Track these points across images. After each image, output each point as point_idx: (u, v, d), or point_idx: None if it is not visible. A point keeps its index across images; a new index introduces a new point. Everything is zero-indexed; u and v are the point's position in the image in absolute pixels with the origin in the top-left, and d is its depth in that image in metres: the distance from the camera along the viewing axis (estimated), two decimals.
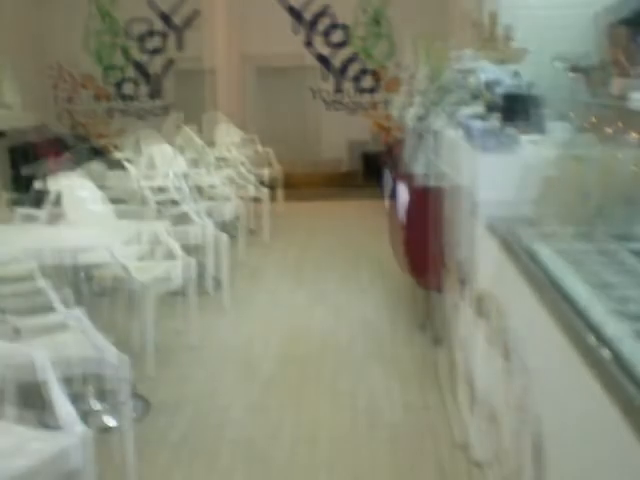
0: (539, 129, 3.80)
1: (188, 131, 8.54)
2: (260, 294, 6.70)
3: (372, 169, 12.91)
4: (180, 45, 13.62)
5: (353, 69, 13.66)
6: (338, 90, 13.72)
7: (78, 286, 4.17)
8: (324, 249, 8.40)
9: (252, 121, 12.99)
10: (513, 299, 2.91)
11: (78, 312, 3.45)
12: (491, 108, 4.07)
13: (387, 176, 9.48)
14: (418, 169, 5.11)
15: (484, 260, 3.38)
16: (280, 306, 6.34)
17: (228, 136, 10.00)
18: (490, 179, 3.31)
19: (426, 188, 4.99)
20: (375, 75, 13.64)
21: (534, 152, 3.39)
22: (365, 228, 9.40)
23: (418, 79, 10.79)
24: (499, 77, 4.73)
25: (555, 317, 2.15)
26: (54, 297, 3.76)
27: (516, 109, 3.44)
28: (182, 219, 6.49)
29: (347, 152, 13.29)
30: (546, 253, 2.62)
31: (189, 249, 5.64)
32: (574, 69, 7.52)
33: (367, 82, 13.69)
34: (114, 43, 13.64)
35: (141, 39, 13.65)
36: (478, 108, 4.46)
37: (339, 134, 13.52)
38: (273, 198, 9.43)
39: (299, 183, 11.84)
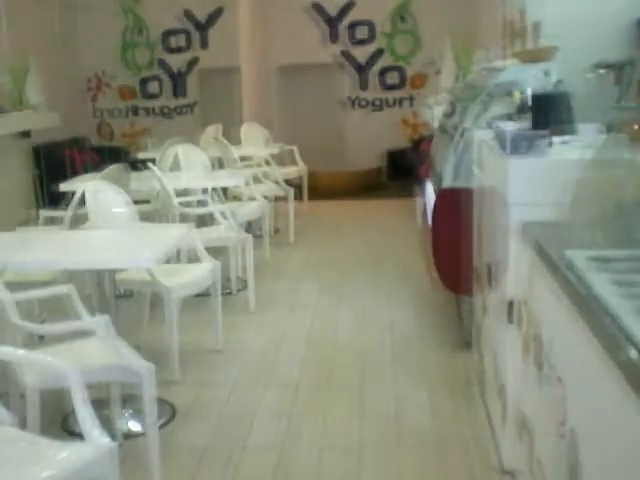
0: (570, 130, 3.72)
1: (223, 141, 8.47)
2: (285, 295, 6.64)
3: (397, 167, 12.82)
4: (204, 43, 13.57)
5: (378, 66, 13.56)
6: (362, 87, 13.62)
7: (103, 290, 4.11)
8: (348, 250, 8.33)
9: (276, 120, 12.94)
10: (546, 307, 2.83)
11: (103, 319, 3.40)
12: (522, 108, 4.00)
13: (417, 176, 9.41)
14: (446, 169, 5.03)
15: (516, 265, 3.30)
16: (305, 308, 6.27)
17: (253, 135, 9.96)
18: (522, 182, 3.23)
19: (454, 189, 4.91)
20: (400, 71, 13.53)
21: (567, 154, 3.31)
22: (389, 228, 9.33)
23: (444, 76, 10.73)
24: (529, 77, 4.65)
25: (592, 328, 2.07)
26: (79, 303, 3.72)
27: (547, 110, 3.36)
28: (207, 220, 6.46)
29: (372, 150, 13.20)
30: (582, 261, 2.54)
31: (214, 250, 5.60)
32: (601, 65, 7.43)
33: (392, 79, 13.59)
34: (145, 46, 13.63)
35: (165, 37, 13.62)
36: (508, 108, 4.39)
37: (363, 132, 13.43)
38: (298, 197, 9.38)
39: (323, 181, 11.76)
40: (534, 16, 5.51)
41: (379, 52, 13.48)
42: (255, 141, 9.76)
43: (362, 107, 13.65)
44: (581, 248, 2.64)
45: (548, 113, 3.33)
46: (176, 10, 13.39)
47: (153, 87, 13.84)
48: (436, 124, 7.88)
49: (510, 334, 3.38)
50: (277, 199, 8.76)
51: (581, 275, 2.40)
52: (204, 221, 6.46)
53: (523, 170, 3.23)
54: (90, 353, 3.48)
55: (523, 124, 3.49)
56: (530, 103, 3.82)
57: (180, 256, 5.68)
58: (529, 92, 4.01)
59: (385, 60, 13.51)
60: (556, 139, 3.47)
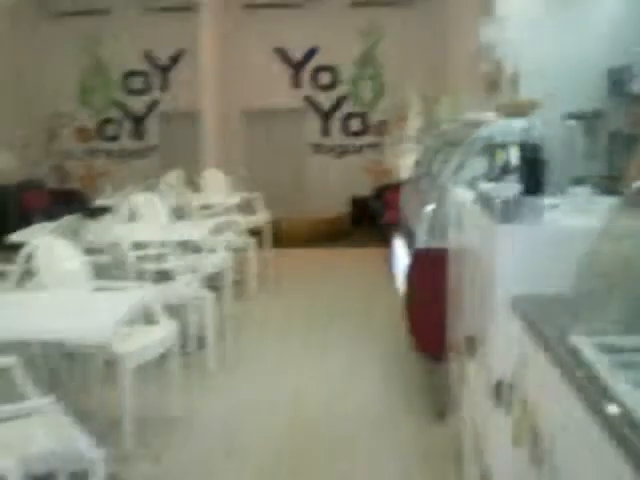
0: (558, 191, 3.47)
1: (184, 189, 8.16)
2: (248, 355, 6.29)
3: (362, 214, 12.59)
4: (165, 86, 13.30)
5: (341, 112, 13.37)
6: (326, 133, 13.41)
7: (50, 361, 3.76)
8: (315, 303, 8.00)
9: (239, 165, 12.66)
10: (547, 398, 2.55)
11: (48, 402, 3.04)
12: (505, 169, 3.74)
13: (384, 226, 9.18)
14: (421, 227, 4.75)
15: (503, 342, 3.01)
16: (270, 371, 5.93)
17: (215, 181, 9.66)
18: (512, 252, 2.96)
19: (430, 249, 4.64)
20: (364, 118, 13.35)
21: (562, 221, 3.05)
22: (356, 278, 9.04)
23: (410, 124, 10.54)
24: (512, 132, 4.42)
25: (599, 421, 1.80)
26: (23, 378, 3.36)
27: (538, 172, 3.09)
28: (164, 275, 6.12)
29: (336, 197, 12.95)
30: (591, 350, 2.26)
31: (172, 307, 5.26)
32: (571, 117, 7.27)
33: (356, 125, 13.40)
34: (105, 87, 13.32)
35: (126, 79, 13.33)
36: (491, 166, 4.13)
37: (327, 178, 13.21)
38: (260, 245, 9.06)
39: (287, 229, 11.47)
40: (512, 67, 5.30)
41: (343, 98, 13.29)
42: (217, 188, 9.45)
43: (325, 153, 13.43)
44: (585, 330, 2.37)
45: (539, 176, 3.06)
46: (137, 51, 13.12)
47: (112, 129, 13.53)
48: (404, 175, 7.66)
49: (498, 418, 3.09)
50: (240, 249, 8.43)
51: (594, 372, 2.12)
52: (163, 275, 6.12)
53: (514, 239, 2.95)
54: (33, 437, 3.11)
55: (510, 187, 3.21)
56: (518, 164, 3.56)
57: (135, 319, 5.32)
58: (513, 151, 3.75)
59: (349, 106, 13.33)
60: (546, 202, 3.21)
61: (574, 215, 3.17)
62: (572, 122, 7.21)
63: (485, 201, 3.28)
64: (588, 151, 7.46)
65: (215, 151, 11.46)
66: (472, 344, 3.70)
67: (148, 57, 13.23)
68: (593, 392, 1.96)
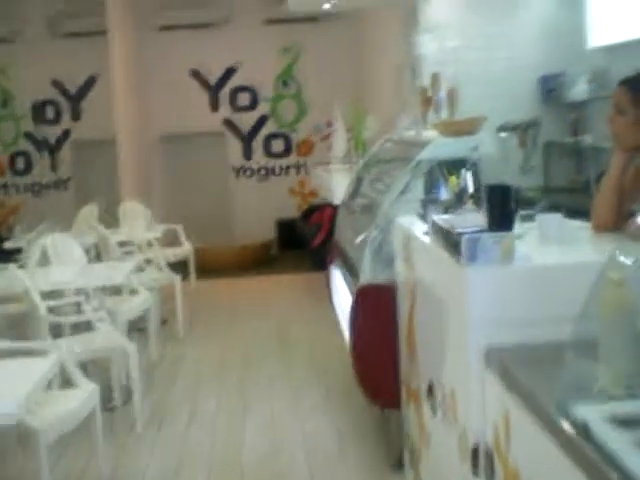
0: (525, 220, 3.08)
1: (99, 226, 7.61)
2: (178, 406, 5.74)
3: (288, 238, 12.15)
4: (77, 114, 12.69)
5: (262, 133, 12.92)
6: (248, 156, 12.94)
7: None
8: (247, 339, 7.49)
9: (159, 194, 12.11)
10: (536, 466, 2.14)
11: None
12: (460, 196, 3.33)
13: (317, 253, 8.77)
14: (364, 261, 4.32)
15: (478, 400, 2.58)
16: (202, 423, 5.39)
17: (133, 214, 9.11)
18: (485, 297, 2.54)
19: (375, 286, 4.20)
20: (286, 138, 12.93)
21: (538, 259, 2.65)
22: (289, 308, 8.56)
23: (336, 144, 10.14)
24: (457, 152, 4.03)
25: None
26: None
27: (505, 202, 2.68)
28: (82, 325, 5.57)
29: (260, 221, 12.47)
30: (594, 415, 1.86)
31: (93, 361, 4.75)
32: (504, 128, 6.96)
33: (278, 146, 12.96)
34: (12, 118, 12.67)
35: (34, 109, 12.68)
36: (439, 191, 3.74)
37: (250, 203, 12.72)
38: (185, 277, 8.54)
39: (212, 258, 10.95)
40: (448, 81, 4.92)
41: (264, 118, 12.85)
42: (136, 221, 8.90)
43: (248, 177, 12.96)
44: (587, 393, 1.96)
45: (506, 205, 2.65)
46: (46, 80, 12.49)
47: (22, 162, 12.85)
48: (336, 198, 7.24)
49: None
50: (163, 286, 7.88)
51: (609, 453, 1.71)
52: (80, 325, 5.57)
53: (486, 282, 2.54)
54: None
55: (473, 219, 2.80)
56: (475, 190, 3.17)
57: (51, 383, 4.76)
58: (467, 176, 3.36)
59: (270, 127, 12.89)
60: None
61: (548, 249, 2.78)
62: (505, 134, 6.91)
63: (443, 236, 2.86)
64: (523, 163, 7.18)
65: (133, 181, 10.89)
66: (433, 394, 3.28)
67: (58, 85, 12.61)
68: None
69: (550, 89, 7.34)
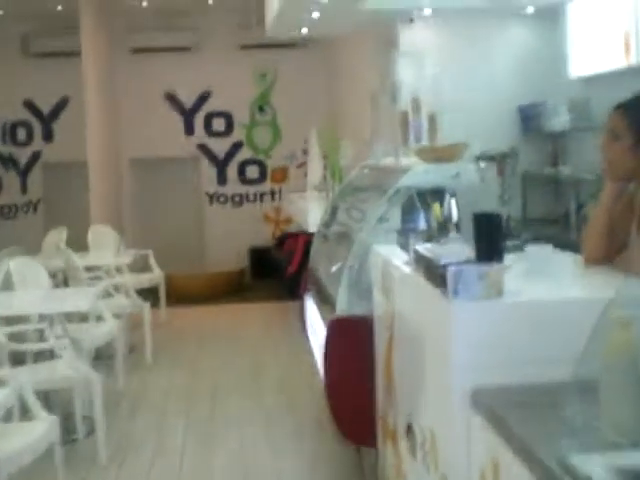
0: (512, 251, 2.92)
1: (66, 250, 7.38)
2: (144, 438, 5.51)
3: (262, 266, 11.94)
4: (48, 136, 12.47)
5: (236, 159, 12.75)
6: (221, 182, 12.76)
7: None
8: (217, 369, 7.26)
9: (130, 219, 11.88)
10: None
11: None
12: (444, 226, 3.18)
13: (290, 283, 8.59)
14: (339, 292, 4.14)
15: (464, 447, 2.41)
16: (169, 457, 5.16)
17: (102, 239, 8.89)
18: (473, 335, 2.37)
19: (351, 319, 4.02)
20: (260, 165, 12.77)
21: (526, 292, 2.49)
22: (261, 339, 8.35)
23: (311, 171, 9.98)
24: (440, 182, 3.89)
25: None
26: None
27: (493, 233, 2.52)
28: (45, 353, 5.35)
29: (233, 248, 12.25)
30: (598, 469, 1.70)
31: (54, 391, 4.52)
32: (482, 157, 6.84)
33: (252, 173, 12.80)
34: None
35: (5, 130, 12.45)
36: (422, 220, 3.58)
37: (224, 229, 12.51)
38: (154, 304, 8.31)
39: (183, 286, 10.73)
40: (428, 106, 4.78)
41: (238, 144, 12.69)
42: (105, 246, 8.68)
43: (221, 203, 12.77)
44: (588, 443, 1.80)
45: (495, 236, 2.50)
46: (17, 101, 12.27)
47: None
48: (311, 226, 7.08)
49: None
50: (131, 313, 7.65)
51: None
52: (43, 353, 5.35)
53: (473, 318, 2.37)
54: None
55: (458, 250, 2.64)
56: (459, 218, 3.01)
57: (9, 415, 4.54)
58: (451, 203, 3.21)
59: (244, 153, 12.73)
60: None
61: (539, 283, 2.62)
62: (483, 164, 6.78)
63: (426, 267, 2.70)
64: (501, 193, 7.05)
65: (104, 204, 10.67)
66: (413, 436, 3.10)
67: (29, 106, 12.39)
68: None
69: (529, 118, 7.24)
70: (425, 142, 4.58)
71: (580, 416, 1.88)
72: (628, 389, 1.81)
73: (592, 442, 1.79)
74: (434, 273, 2.55)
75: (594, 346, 1.85)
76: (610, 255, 2.88)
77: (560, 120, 6.79)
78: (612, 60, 5.75)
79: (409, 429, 3.14)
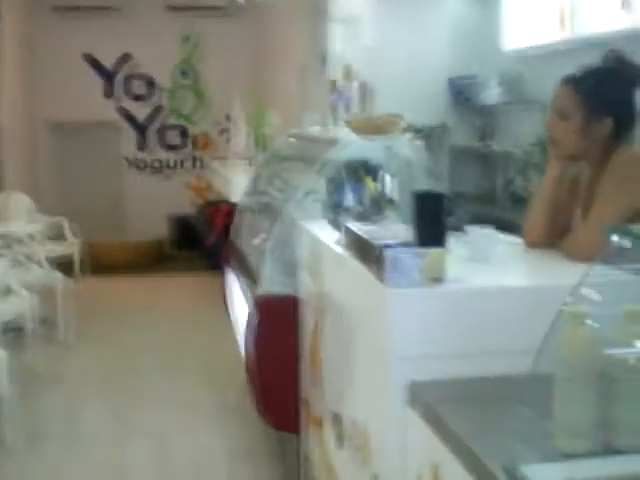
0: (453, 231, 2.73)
1: None
2: (58, 422, 5.22)
3: (183, 235, 11.64)
4: None
5: (157, 124, 12.37)
6: (141, 147, 12.37)
7: None
8: (138, 345, 6.94)
9: (46, 186, 11.43)
10: None
11: None
12: (378, 203, 2.98)
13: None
14: (263, 268, 3.92)
15: (398, 444, 2.22)
16: (85, 444, 4.85)
17: (14, 206, 8.49)
18: (412, 325, 2.18)
19: (275, 297, 3.81)
20: (182, 131, 12.42)
21: (470, 279, 2.31)
22: (184, 312, 8.07)
23: (234, 139, 9.72)
24: (373, 153, 3.68)
25: None
26: None
27: (435, 214, 2.33)
28: None
29: (154, 217, 11.88)
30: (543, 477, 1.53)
31: None
32: (408, 131, 6.68)
33: (173, 138, 12.44)
34: None
35: None
36: (354, 196, 3.37)
37: (143, 197, 12.12)
38: (70, 275, 7.95)
39: (102, 255, 10.36)
40: (360, 75, 4.57)
41: (160, 109, 12.32)
42: (19, 214, 8.28)
43: (141, 169, 12.39)
44: (541, 450, 1.63)
45: (437, 218, 2.30)
46: None
47: None
48: (234, 197, 6.83)
49: None
50: (45, 285, 7.27)
51: None
52: None
53: (412, 307, 2.18)
54: None
55: (397, 231, 2.45)
56: (399, 197, 2.82)
57: None
58: (387, 179, 3.01)
59: (165, 118, 12.36)
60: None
61: (481, 268, 2.44)
62: (412, 136, 6.62)
63: (361, 249, 2.50)
64: (430, 169, 6.91)
65: (18, 168, 10.22)
66: (340, 425, 2.91)
67: None
68: None
69: (460, 91, 7.10)
70: (356, 112, 4.36)
71: (531, 416, 1.70)
72: (580, 392, 1.64)
73: (544, 448, 1.62)
74: (369, 255, 2.35)
75: (548, 343, 1.67)
76: (552, 237, 2.72)
77: (491, 93, 6.66)
78: (546, 34, 5.61)
79: (336, 418, 2.95)
